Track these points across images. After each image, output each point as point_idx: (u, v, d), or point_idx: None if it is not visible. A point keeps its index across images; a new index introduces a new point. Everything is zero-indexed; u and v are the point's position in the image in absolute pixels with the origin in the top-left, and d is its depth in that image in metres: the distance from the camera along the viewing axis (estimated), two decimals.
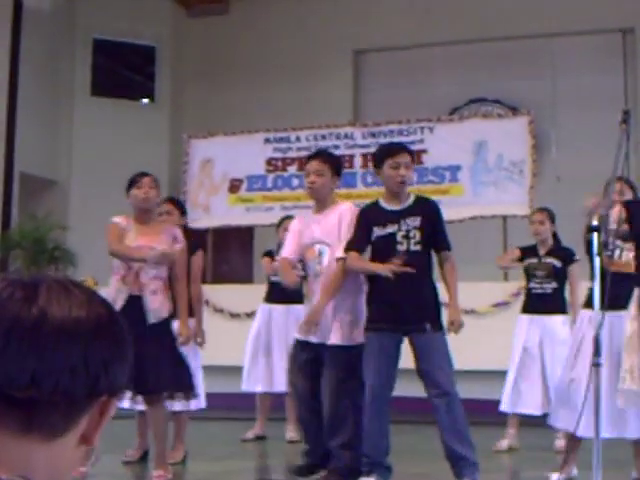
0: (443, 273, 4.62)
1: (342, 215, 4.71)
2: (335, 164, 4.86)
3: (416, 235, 4.52)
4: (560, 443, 5.75)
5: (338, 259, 4.60)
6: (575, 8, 11.55)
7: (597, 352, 3.39)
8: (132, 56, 12.87)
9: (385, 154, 4.65)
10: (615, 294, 3.52)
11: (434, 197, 8.83)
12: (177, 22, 13.00)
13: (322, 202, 4.80)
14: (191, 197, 9.74)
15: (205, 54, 12.79)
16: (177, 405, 5.35)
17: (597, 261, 3.45)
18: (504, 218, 8.80)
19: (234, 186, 9.63)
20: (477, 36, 11.84)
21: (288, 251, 4.88)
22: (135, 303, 4.67)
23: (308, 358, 4.71)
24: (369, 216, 4.61)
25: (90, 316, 0.94)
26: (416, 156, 9.11)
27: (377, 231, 4.58)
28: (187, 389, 4.82)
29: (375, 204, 4.73)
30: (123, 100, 12.54)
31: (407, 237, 4.52)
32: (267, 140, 9.58)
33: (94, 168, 11.54)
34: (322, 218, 4.77)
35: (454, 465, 4.36)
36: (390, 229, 4.55)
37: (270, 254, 6.78)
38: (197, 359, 5.75)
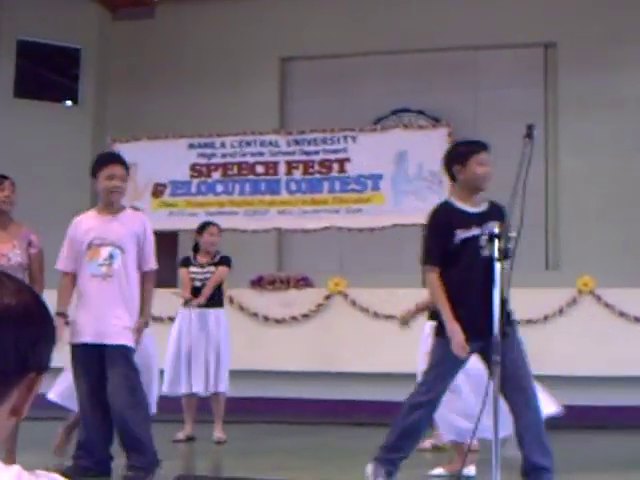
0: None
1: (146, 226, 4.92)
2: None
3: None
4: (425, 444, 5.96)
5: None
6: (499, 22, 11.82)
7: (497, 350, 3.53)
8: (56, 58, 12.73)
9: (469, 150, 4.50)
10: None
11: (356, 205, 9.21)
12: (102, 25, 12.90)
13: (116, 205, 4.94)
14: None
15: (130, 58, 12.71)
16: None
17: (497, 267, 3.57)
18: (423, 227, 8.94)
19: (158, 191, 9.60)
20: (402, 47, 12.02)
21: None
22: None
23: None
24: (449, 218, 4.37)
25: (20, 303, 1.08)
26: (339, 165, 9.32)
27: (460, 234, 4.37)
28: None
29: (449, 205, 4.50)
30: (46, 102, 12.39)
31: (491, 241, 4.19)
32: (191, 145, 9.58)
33: (15, 170, 11.33)
34: (113, 220, 4.88)
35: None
36: (475, 231, 4.35)
37: (187, 262, 6.93)
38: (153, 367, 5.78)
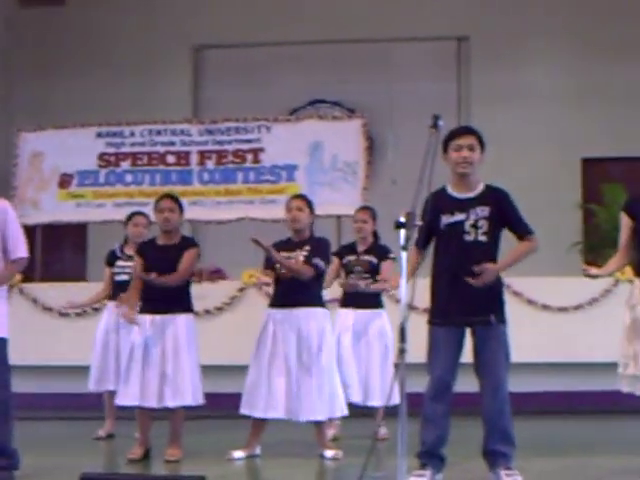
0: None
1: (7, 213, 4.66)
2: None
3: (484, 226, 4.44)
4: (384, 431, 6.13)
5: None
6: (414, 15, 11.88)
7: (402, 339, 3.53)
8: None
9: (448, 138, 4.52)
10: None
11: (270, 196, 9.14)
12: (9, 11, 12.47)
13: None
14: (20, 192, 9.46)
15: (39, 45, 12.32)
16: None
17: (404, 255, 3.55)
18: (338, 217, 8.95)
19: (64, 181, 9.37)
20: (319, 37, 11.97)
21: None
22: None
23: None
24: (436, 203, 4.43)
25: None
26: (253, 155, 9.23)
27: (444, 219, 4.48)
28: None
29: (442, 191, 4.56)
30: None
31: (475, 227, 4.43)
32: (99, 135, 9.37)
33: None
34: None
35: (490, 459, 4.49)
36: (458, 217, 4.46)
37: (113, 256, 6.71)
38: None
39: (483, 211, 4.46)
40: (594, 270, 4.58)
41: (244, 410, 5.48)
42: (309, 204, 5.65)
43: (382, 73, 12.12)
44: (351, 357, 6.19)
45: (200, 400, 5.55)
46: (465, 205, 4.46)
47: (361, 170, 8.98)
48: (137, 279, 5.60)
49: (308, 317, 5.44)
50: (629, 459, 5.13)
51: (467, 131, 4.61)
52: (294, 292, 5.44)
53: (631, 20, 11.48)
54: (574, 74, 11.62)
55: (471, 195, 4.51)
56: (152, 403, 5.44)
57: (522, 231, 4.54)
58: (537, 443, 5.91)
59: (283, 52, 12.15)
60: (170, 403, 5.44)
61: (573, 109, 11.46)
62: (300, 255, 5.45)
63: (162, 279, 5.42)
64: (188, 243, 5.65)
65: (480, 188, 4.55)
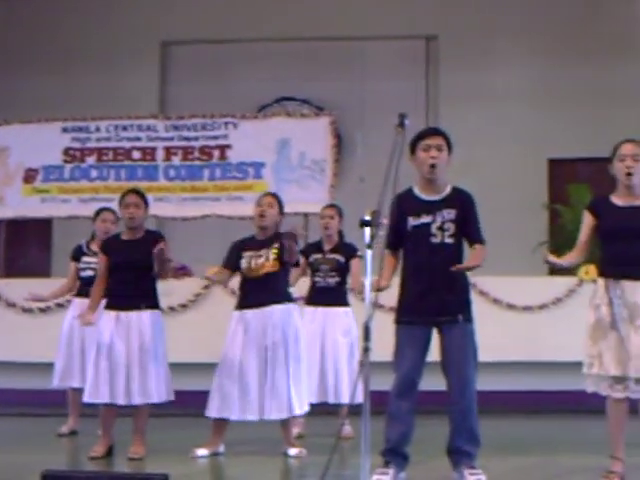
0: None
1: None
2: None
3: (450, 228, 4.46)
4: (348, 429, 6.12)
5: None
6: (383, 14, 11.88)
7: (367, 337, 3.56)
8: None
9: (417, 138, 4.52)
10: None
11: (237, 193, 9.09)
12: None
13: None
14: None
15: (4, 39, 12.12)
16: None
17: (369, 254, 3.56)
18: (305, 215, 8.93)
19: (29, 176, 9.27)
20: (288, 35, 11.93)
21: None
22: None
23: None
24: (403, 205, 4.43)
25: None
26: (220, 151, 9.18)
27: (411, 221, 4.49)
28: None
29: (409, 192, 4.57)
30: None
31: (442, 229, 4.44)
32: (65, 130, 9.28)
33: None
34: None
35: (454, 457, 4.50)
36: (425, 219, 4.47)
37: (79, 252, 6.69)
38: None
39: (449, 214, 4.48)
40: (552, 257, 4.61)
41: (213, 414, 5.42)
42: (279, 203, 5.67)
43: (351, 71, 12.12)
44: (315, 356, 6.18)
45: (166, 397, 5.52)
46: (432, 207, 4.48)
47: (329, 168, 8.98)
48: (101, 277, 5.57)
49: (280, 314, 5.43)
50: (590, 458, 5.18)
51: (435, 132, 4.62)
52: (264, 291, 5.44)
53: (599, 21, 11.57)
54: (542, 75, 11.69)
55: (438, 197, 4.52)
56: (120, 401, 5.41)
57: (477, 238, 4.56)
58: (501, 442, 5.94)
59: (252, 49, 12.10)
60: (137, 401, 5.41)
61: (540, 110, 11.53)
62: (270, 253, 5.43)
63: (168, 258, 5.40)
64: (154, 236, 5.62)
65: (447, 190, 4.57)
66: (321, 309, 6.29)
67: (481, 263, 4.52)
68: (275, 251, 5.42)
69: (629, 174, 4.48)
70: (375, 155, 11.51)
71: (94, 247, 6.55)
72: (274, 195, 5.78)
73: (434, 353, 4.56)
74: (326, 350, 6.23)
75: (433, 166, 4.46)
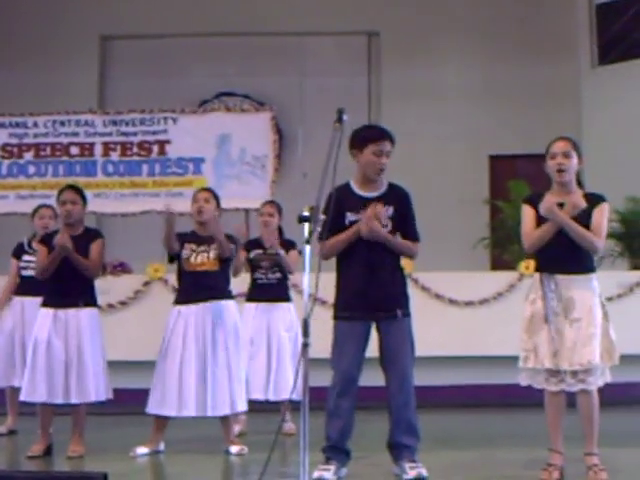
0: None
1: None
2: None
3: (389, 224, 4.49)
4: (290, 426, 6.14)
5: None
6: (325, 9, 11.91)
7: (306, 333, 3.55)
8: None
9: (369, 139, 4.53)
10: None
11: (177, 189, 8.99)
12: None
13: None
14: None
15: None
16: None
17: (307, 249, 3.54)
18: (246, 211, 8.87)
19: None
20: (229, 29, 11.89)
21: None
22: None
23: None
24: (341, 200, 4.42)
25: None
26: (159, 147, 9.07)
27: (350, 216, 4.52)
28: None
29: (347, 187, 4.58)
30: None
31: (380, 225, 4.46)
32: (2, 125, 9.08)
33: None
34: None
35: (394, 451, 4.52)
36: (363, 216, 4.48)
37: (21, 249, 6.57)
38: None
39: (388, 210, 4.53)
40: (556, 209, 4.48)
41: (154, 410, 5.39)
42: (215, 197, 5.66)
43: (292, 67, 12.11)
44: (262, 352, 6.16)
45: (104, 396, 5.48)
46: (370, 204, 4.51)
47: (270, 164, 8.93)
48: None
49: (220, 310, 5.42)
50: (529, 451, 5.23)
51: (388, 137, 4.61)
52: (203, 287, 5.41)
53: (538, 21, 11.73)
54: (482, 72, 11.82)
55: (376, 194, 4.57)
56: (58, 399, 5.35)
57: (412, 235, 4.62)
58: (441, 436, 5.98)
59: (192, 44, 12.03)
60: (75, 399, 5.36)
61: (481, 107, 11.66)
62: (211, 251, 5.40)
63: (79, 257, 5.31)
64: (92, 234, 5.56)
65: (384, 187, 4.62)
66: (263, 305, 6.27)
67: (405, 249, 4.58)
68: (216, 250, 5.42)
69: (560, 171, 4.51)
70: (317, 151, 11.40)
71: (35, 245, 6.42)
72: (209, 190, 5.80)
73: (373, 349, 4.56)
74: (272, 346, 6.21)
75: (382, 170, 4.56)
